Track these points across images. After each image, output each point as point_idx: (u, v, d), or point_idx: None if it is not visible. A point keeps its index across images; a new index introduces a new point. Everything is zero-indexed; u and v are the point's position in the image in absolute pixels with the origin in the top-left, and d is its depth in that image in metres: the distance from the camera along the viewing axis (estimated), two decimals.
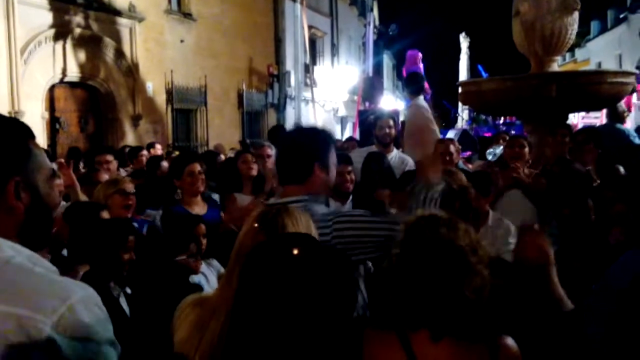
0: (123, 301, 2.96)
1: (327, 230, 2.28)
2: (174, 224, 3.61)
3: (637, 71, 9.72)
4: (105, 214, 3.58)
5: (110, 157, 6.38)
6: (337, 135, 21.50)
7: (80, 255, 3.03)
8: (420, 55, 12.17)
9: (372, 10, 29.86)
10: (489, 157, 5.45)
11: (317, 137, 2.58)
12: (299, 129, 2.96)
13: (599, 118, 11.49)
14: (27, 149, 1.44)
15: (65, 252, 3.37)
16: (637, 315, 1.84)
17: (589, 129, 6.15)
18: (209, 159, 6.47)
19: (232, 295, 1.78)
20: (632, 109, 12.47)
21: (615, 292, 1.96)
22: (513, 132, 12.35)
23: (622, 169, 5.31)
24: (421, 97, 7.14)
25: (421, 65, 12.97)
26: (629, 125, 9.22)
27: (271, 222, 1.90)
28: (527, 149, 5.08)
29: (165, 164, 6.79)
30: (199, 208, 4.34)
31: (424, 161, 2.73)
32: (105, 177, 5.35)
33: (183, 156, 6.08)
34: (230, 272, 1.89)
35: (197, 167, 4.41)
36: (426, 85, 12.49)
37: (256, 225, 1.92)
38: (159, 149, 9.33)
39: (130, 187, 4.16)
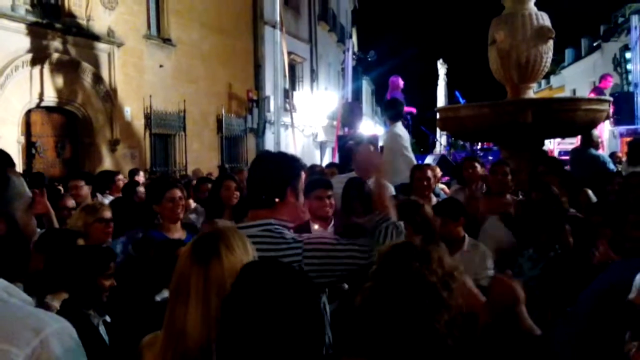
0: (102, 330, 2.90)
1: (298, 251, 2.36)
2: (154, 249, 3.57)
3: (611, 98, 9.90)
4: (81, 242, 3.52)
5: (81, 183, 6.31)
6: (317, 160, 21.54)
7: (59, 283, 2.97)
8: (401, 81, 12.24)
9: (351, 36, 30.24)
10: None
11: (290, 163, 2.62)
12: (271, 155, 3.00)
13: (574, 144, 11.65)
14: (4, 178, 1.41)
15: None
16: (612, 319, 1.86)
17: (548, 159, 6.26)
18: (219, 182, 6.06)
19: (177, 332, 1.73)
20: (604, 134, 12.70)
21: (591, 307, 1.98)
22: (490, 157, 12.47)
23: (590, 193, 5.40)
24: (399, 124, 7.20)
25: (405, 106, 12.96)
26: (601, 151, 9.36)
27: (205, 248, 1.85)
28: (510, 177, 5.13)
29: (142, 189, 6.73)
30: (179, 234, 4.27)
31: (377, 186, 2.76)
32: (71, 202, 5.33)
33: (163, 181, 5.99)
34: (172, 304, 1.82)
35: (178, 193, 4.33)
36: (412, 109, 12.59)
37: (189, 253, 1.86)
38: (142, 177, 9.22)
39: (108, 213, 4.16)
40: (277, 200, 2.50)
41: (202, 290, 1.76)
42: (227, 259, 1.81)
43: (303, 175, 2.63)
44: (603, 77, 13.77)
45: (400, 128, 7.11)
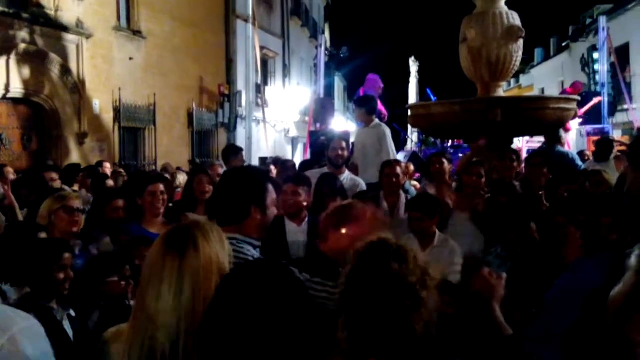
0: (67, 324, 2.85)
1: None
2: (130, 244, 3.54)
3: (578, 97, 10.08)
4: (43, 235, 3.44)
5: (54, 175, 6.28)
6: (288, 155, 21.51)
7: (16, 277, 2.91)
8: (380, 83, 12.22)
9: (323, 32, 30.22)
10: None
11: (254, 179, 2.66)
12: (236, 173, 3.04)
13: (542, 143, 11.87)
14: None
15: None
16: (596, 330, 1.88)
17: (543, 153, 6.31)
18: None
19: (146, 322, 1.71)
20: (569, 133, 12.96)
21: (573, 308, 1.99)
22: (460, 155, 12.58)
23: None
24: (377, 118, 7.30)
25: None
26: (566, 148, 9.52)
27: (181, 238, 1.83)
28: (484, 179, 5.14)
29: (110, 182, 6.68)
30: (158, 228, 4.20)
31: None
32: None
33: (145, 175, 5.99)
34: (143, 292, 1.80)
35: (160, 187, 4.35)
36: (384, 111, 12.63)
37: (163, 243, 1.84)
38: (107, 168, 9.14)
39: (76, 203, 4.05)
40: (242, 217, 2.54)
41: (175, 280, 1.74)
42: (203, 250, 1.79)
43: (270, 189, 2.65)
44: (573, 84, 14.20)
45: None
